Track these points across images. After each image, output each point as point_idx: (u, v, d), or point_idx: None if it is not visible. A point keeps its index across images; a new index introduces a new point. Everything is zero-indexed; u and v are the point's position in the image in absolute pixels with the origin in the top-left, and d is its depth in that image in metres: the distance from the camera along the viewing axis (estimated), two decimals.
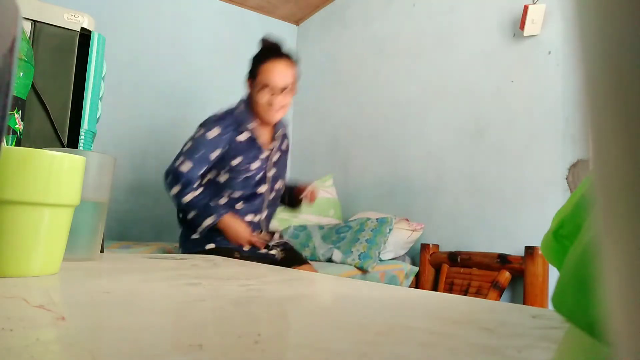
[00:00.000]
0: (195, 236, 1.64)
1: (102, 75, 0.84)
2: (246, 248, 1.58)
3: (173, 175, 1.57)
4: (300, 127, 3.33)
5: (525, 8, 1.83)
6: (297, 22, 3.54)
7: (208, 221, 1.55)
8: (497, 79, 2.01)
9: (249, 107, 1.68)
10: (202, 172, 1.60)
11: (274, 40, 1.69)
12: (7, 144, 0.60)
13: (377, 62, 2.70)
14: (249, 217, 1.65)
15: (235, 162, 1.61)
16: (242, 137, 1.64)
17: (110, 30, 2.60)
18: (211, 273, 0.51)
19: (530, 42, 1.89)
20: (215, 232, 1.62)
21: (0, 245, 0.39)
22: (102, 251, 0.71)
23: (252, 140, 1.66)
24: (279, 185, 1.76)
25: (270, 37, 1.70)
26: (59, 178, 0.42)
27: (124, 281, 0.41)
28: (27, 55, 0.64)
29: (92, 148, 0.83)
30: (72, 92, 0.81)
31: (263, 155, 1.68)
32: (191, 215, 1.57)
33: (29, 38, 0.76)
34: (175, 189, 1.56)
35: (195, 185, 1.58)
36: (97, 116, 0.83)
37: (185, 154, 1.59)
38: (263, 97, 1.61)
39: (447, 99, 2.23)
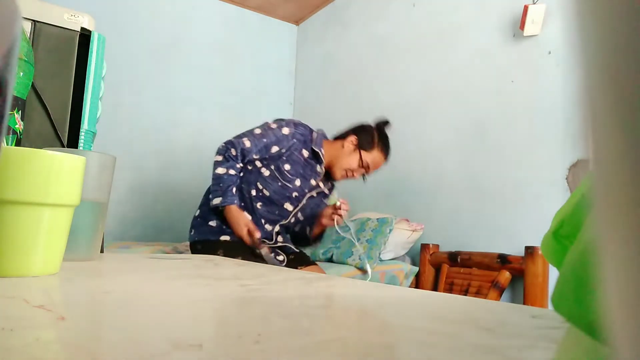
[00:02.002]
0: (212, 223, 1.62)
1: (102, 75, 0.84)
2: (245, 240, 1.56)
3: (228, 145, 1.59)
4: None
5: (525, 8, 1.83)
6: (297, 22, 3.54)
7: (216, 201, 1.54)
8: (497, 79, 2.01)
9: (327, 143, 1.73)
10: (255, 157, 1.61)
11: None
12: (7, 144, 0.60)
13: (377, 62, 2.70)
14: (262, 221, 1.64)
15: (286, 166, 1.64)
16: (306, 153, 1.68)
17: (110, 30, 2.60)
18: (211, 273, 0.51)
19: (530, 42, 1.89)
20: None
21: (0, 245, 0.39)
22: (102, 251, 0.71)
23: (312, 162, 1.69)
24: (300, 218, 1.75)
25: (390, 124, 1.79)
26: (59, 178, 0.42)
27: (124, 281, 0.41)
28: (27, 55, 0.64)
29: (92, 148, 0.83)
30: (72, 92, 0.81)
31: (312, 181, 1.69)
32: (212, 187, 1.57)
33: (29, 38, 0.76)
34: (218, 157, 1.57)
35: (237, 166, 1.58)
36: (97, 116, 0.83)
37: (251, 134, 1.62)
38: (354, 165, 1.68)
39: (447, 99, 2.23)
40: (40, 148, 0.43)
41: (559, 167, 1.73)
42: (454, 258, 1.94)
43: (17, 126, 0.63)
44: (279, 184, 1.63)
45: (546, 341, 0.25)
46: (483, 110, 2.05)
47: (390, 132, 1.81)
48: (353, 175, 1.70)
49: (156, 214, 2.80)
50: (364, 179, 1.75)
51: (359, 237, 2.05)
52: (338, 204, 1.63)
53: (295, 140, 1.65)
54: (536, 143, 1.82)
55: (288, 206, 1.67)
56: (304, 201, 1.70)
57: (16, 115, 0.63)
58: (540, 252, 1.61)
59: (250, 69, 3.29)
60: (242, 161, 1.59)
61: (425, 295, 0.40)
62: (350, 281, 0.49)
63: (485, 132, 2.03)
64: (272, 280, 0.46)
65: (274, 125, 1.65)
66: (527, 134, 1.86)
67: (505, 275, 1.74)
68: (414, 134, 2.38)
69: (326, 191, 1.79)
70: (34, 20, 0.78)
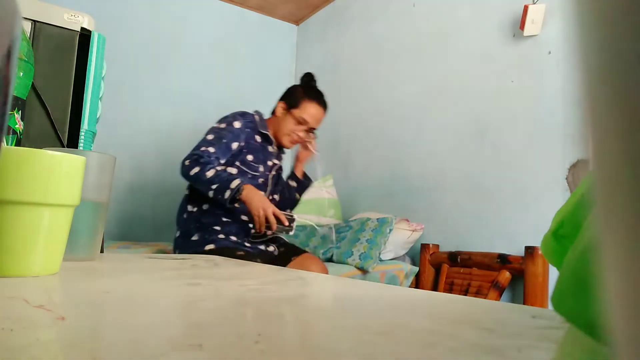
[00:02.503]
0: (194, 237, 1.64)
1: (102, 75, 0.84)
2: (270, 218, 1.51)
3: (193, 158, 1.57)
4: None
5: (525, 8, 1.83)
6: (297, 22, 3.54)
7: (235, 182, 1.52)
8: (497, 79, 2.01)
9: (267, 121, 1.78)
10: (223, 160, 1.62)
11: (316, 82, 1.83)
12: (7, 144, 0.60)
13: (377, 62, 2.70)
14: (244, 217, 1.65)
15: (249, 157, 1.67)
16: (258, 138, 1.72)
17: (110, 30, 2.60)
18: (211, 273, 0.51)
19: (530, 42, 1.89)
20: (214, 232, 1.61)
21: (0, 245, 0.39)
22: (102, 251, 0.71)
23: (265, 144, 1.74)
24: (277, 198, 1.80)
25: (314, 77, 1.84)
26: (59, 178, 0.42)
27: (124, 281, 0.41)
28: (27, 55, 0.64)
29: (92, 148, 0.83)
30: (72, 92, 0.81)
31: (270, 162, 1.74)
32: (215, 186, 1.53)
33: (29, 38, 0.76)
34: (196, 169, 1.55)
35: (216, 164, 1.58)
36: (97, 116, 0.83)
37: (207, 141, 1.62)
38: (292, 126, 1.72)
39: (447, 99, 2.23)
40: (40, 148, 0.43)
41: (559, 167, 1.73)
42: (454, 258, 1.94)
43: (17, 126, 0.63)
44: (249, 176, 1.66)
45: (546, 341, 0.25)
46: (483, 110, 2.05)
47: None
48: (298, 136, 1.74)
49: (156, 214, 2.79)
50: (313, 134, 1.78)
51: (359, 237, 2.05)
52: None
53: (248, 129, 1.69)
54: (536, 143, 1.82)
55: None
56: (270, 184, 1.74)
57: (16, 115, 0.63)
58: (540, 252, 1.61)
59: (250, 69, 3.29)
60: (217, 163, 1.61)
61: (425, 295, 0.40)
62: (350, 281, 0.49)
63: (485, 132, 2.03)
64: (272, 280, 0.46)
65: (223, 125, 1.67)
66: (527, 134, 1.86)
67: (505, 275, 1.74)
68: (414, 134, 2.38)
69: (282, 165, 1.85)
70: (34, 20, 0.78)
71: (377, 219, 2.12)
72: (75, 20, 0.81)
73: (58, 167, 0.42)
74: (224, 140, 1.62)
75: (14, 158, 0.39)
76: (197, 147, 1.61)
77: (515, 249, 1.80)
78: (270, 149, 1.75)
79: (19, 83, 0.63)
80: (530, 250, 1.68)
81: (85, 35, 0.83)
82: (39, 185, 0.41)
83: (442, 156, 2.21)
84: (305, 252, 1.71)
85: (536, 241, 1.70)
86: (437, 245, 2.10)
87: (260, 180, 1.70)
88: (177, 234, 1.71)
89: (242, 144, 1.67)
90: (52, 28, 0.80)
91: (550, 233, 0.31)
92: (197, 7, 3.10)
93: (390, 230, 2.04)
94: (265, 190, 1.72)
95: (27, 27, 0.77)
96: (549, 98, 1.79)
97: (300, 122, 1.72)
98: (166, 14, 2.96)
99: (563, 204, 0.31)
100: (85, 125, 0.79)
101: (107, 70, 0.88)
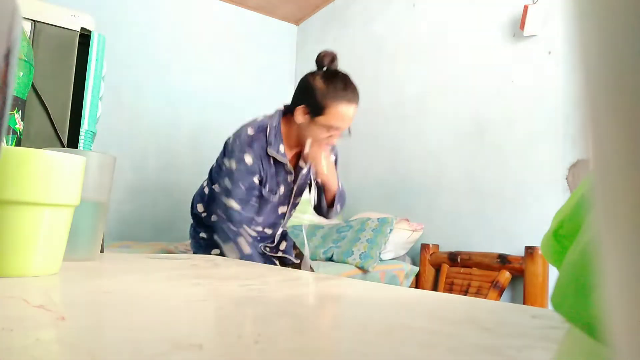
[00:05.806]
0: (203, 234, 1.61)
1: (102, 75, 0.84)
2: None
3: (226, 213, 1.41)
4: None
5: (525, 8, 1.83)
6: (297, 22, 3.54)
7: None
8: (497, 79, 2.01)
9: (284, 127, 1.48)
10: (253, 201, 1.44)
11: (344, 72, 1.44)
12: (7, 144, 0.60)
13: (377, 62, 2.70)
14: (259, 228, 1.53)
15: (266, 188, 1.47)
16: (271, 160, 1.47)
17: (110, 30, 2.60)
18: (211, 273, 0.51)
19: (530, 42, 1.89)
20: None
21: (0, 245, 0.39)
22: (102, 251, 0.71)
23: (280, 165, 1.48)
24: (299, 200, 1.64)
25: (340, 72, 1.43)
26: (59, 178, 0.42)
27: (124, 281, 0.41)
28: (27, 55, 0.64)
29: (92, 148, 0.83)
30: (72, 92, 0.81)
31: (289, 178, 1.52)
32: (236, 255, 1.40)
33: (29, 38, 0.76)
34: (231, 232, 1.41)
35: (249, 222, 1.43)
36: (97, 116, 0.83)
37: (228, 192, 1.43)
38: (322, 135, 1.39)
39: (447, 99, 2.23)
40: (40, 148, 0.43)
41: (559, 167, 1.73)
42: (454, 258, 1.94)
43: (17, 126, 0.63)
44: (267, 208, 1.51)
45: (546, 341, 0.25)
46: (483, 110, 2.05)
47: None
48: (328, 143, 1.44)
49: (156, 214, 2.80)
50: (349, 133, 1.47)
51: (360, 237, 2.05)
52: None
53: (259, 160, 1.43)
54: (536, 143, 1.82)
55: (283, 209, 1.57)
56: (292, 197, 1.57)
57: (16, 115, 0.63)
58: (540, 252, 1.61)
59: (250, 69, 3.29)
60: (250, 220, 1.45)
61: (425, 295, 0.40)
62: (350, 281, 0.49)
63: (485, 132, 2.03)
64: (272, 280, 0.46)
65: (234, 165, 1.43)
66: (527, 134, 1.86)
67: (505, 275, 1.74)
68: (414, 134, 2.38)
69: (305, 168, 1.56)
70: (34, 20, 0.78)
71: (378, 218, 2.13)
72: (75, 20, 0.81)
73: (58, 167, 0.42)
74: (244, 188, 1.41)
75: (14, 158, 0.39)
76: (218, 198, 1.45)
77: (515, 249, 1.80)
78: (285, 167, 1.48)
79: (19, 83, 0.63)
80: (530, 250, 1.68)
81: (85, 35, 0.83)
82: (39, 185, 0.41)
83: (442, 156, 2.21)
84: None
85: (536, 241, 1.71)
86: (437, 245, 2.10)
87: (281, 198, 1.54)
88: (192, 221, 1.65)
89: (264, 174, 1.45)
90: (52, 28, 0.80)
91: (550, 233, 0.31)
92: (197, 7, 3.10)
93: (391, 230, 2.04)
94: (288, 203, 1.56)
95: (27, 27, 0.77)
96: (549, 98, 1.79)
97: (330, 129, 1.38)
98: (166, 14, 2.96)
99: (563, 204, 0.31)
100: (85, 125, 0.79)
101: (107, 70, 0.88)
